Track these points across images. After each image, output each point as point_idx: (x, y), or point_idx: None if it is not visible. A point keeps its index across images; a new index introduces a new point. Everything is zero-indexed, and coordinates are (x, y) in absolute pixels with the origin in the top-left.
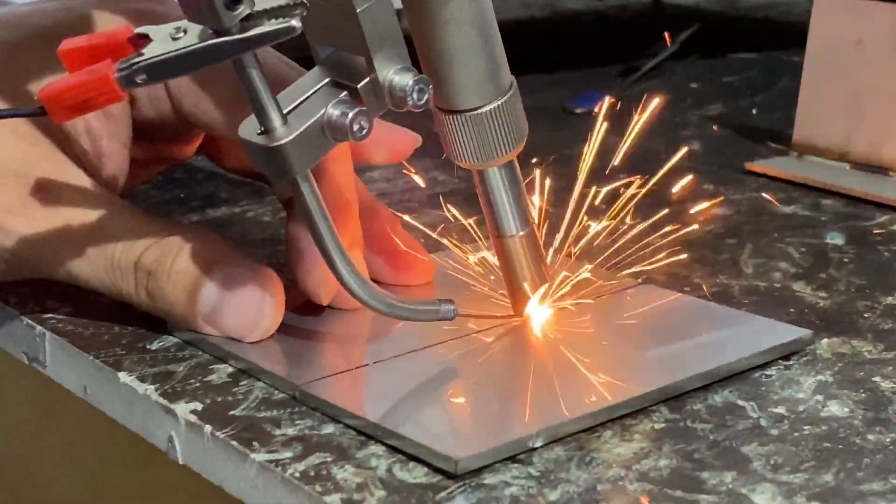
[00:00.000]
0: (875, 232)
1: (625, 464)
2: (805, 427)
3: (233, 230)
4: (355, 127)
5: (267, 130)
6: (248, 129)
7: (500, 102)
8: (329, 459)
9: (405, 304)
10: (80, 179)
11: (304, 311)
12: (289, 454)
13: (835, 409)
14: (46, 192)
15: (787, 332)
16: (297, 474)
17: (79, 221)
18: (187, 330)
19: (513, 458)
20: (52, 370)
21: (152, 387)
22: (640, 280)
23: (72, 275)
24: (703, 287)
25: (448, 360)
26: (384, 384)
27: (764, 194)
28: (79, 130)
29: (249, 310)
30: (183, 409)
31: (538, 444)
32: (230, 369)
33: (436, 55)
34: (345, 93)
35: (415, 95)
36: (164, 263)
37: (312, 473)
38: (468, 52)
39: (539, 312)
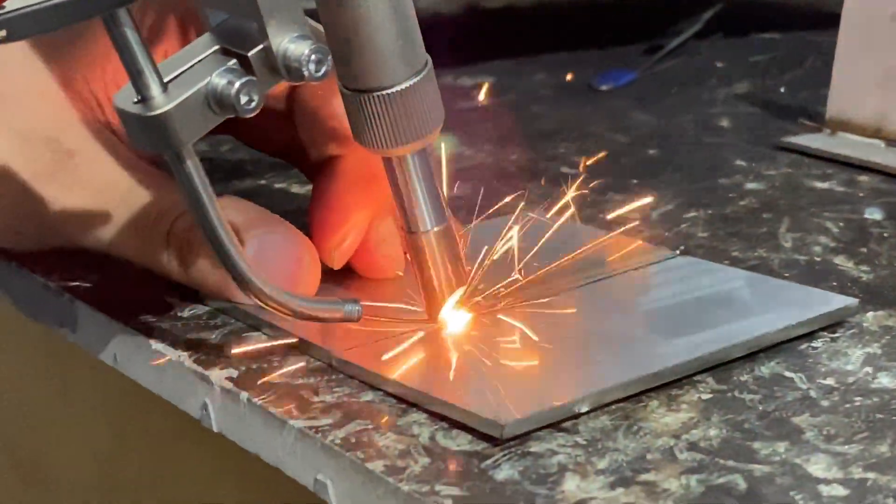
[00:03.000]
0: None
1: (674, 433)
2: (856, 398)
3: (259, 202)
4: (242, 98)
5: (144, 99)
6: (124, 97)
7: (415, 81)
8: (370, 427)
9: (306, 301)
10: (113, 145)
11: (338, 280)
12: (328, 421)
13: (885, 381)
14: (77, 157)
15: (834, 301)
16: (338, 441)
17: (111, 189)
18: (221, 299)
19: (558, 427)
20: (80, 337)
21: (185, 354)
22: (678, 251)
23: (103, 243)
24: (742, 260)
25: (487, 329)
26: (423, 352)
27: (799, 170)
28: (110, 96)
29: (284, 277)
30: (218, 375)
31: (584, 410)
32: (264, 337)
33: (345, 29)
34: (234, 61)
35: (311, 67)
36: (196, 232)
37: (353, 440)
38: (381, 25)
39: (456, 317)
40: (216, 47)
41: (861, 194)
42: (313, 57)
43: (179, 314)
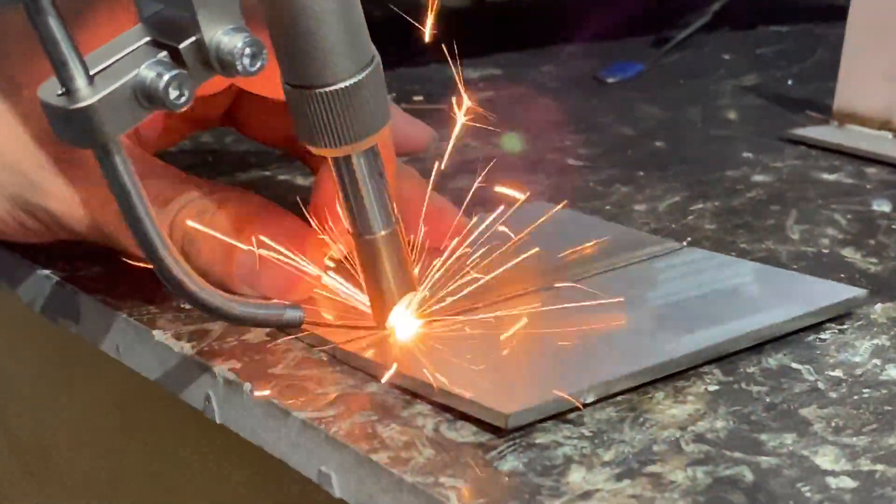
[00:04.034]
0: None
1: (680, 425)
2: (864, 390)
3: (264, 193)
4: (172, 93)
5: (68, 91)
6: (48, 89)
7: (362, 77)
8: (374, 418)
9: (245, 305)
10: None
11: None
12: (332, 412)
13: (894, 373)
14: (81, 150)
15: (842, 291)
16: (342, 433)
17: None
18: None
19: (563, 419)
20: (83, 328)
21: (188, 345)
22: (684, 243)
23: (107, 236)
24: (749, 252)
25: (491, 319)
26: (426, 343)
27: (806, 162)
28: None
29: (288, 270)
30: (221, 367)
31: (589, 400)
32: (267, 328)
33: (286, 22)
34: (164, 53)
35: (245, 61)
36: (200, 223)
37: (357, 432)
38: (325, 18)
39: (406, 324)
40: (147, 39)
41: (869, 186)
42: (247, 50)
43: (182, 305)
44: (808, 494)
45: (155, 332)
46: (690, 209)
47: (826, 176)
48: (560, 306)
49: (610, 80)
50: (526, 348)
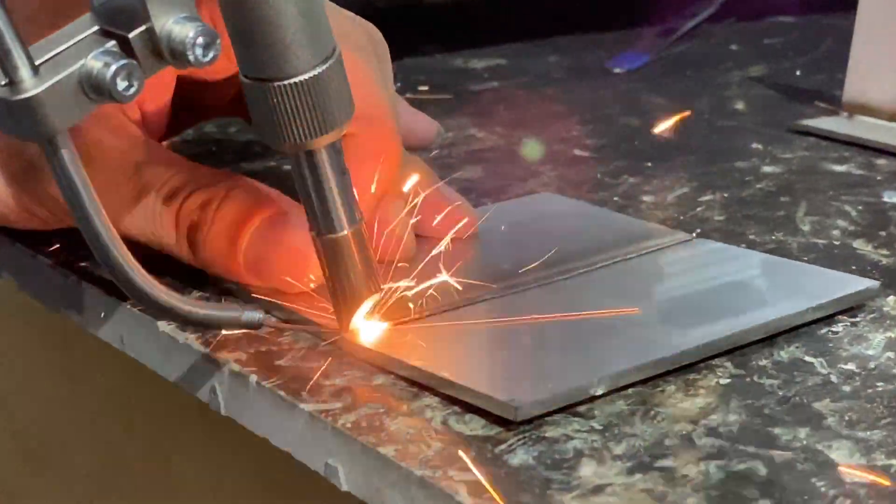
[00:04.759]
0: None
1: (692, 418)
2: (878, 384)
3: (269, 183)
4: (120, 84)
5: (11, 81)
6: None
7: (324, 68)
8: (381, 410)
9: (200, 307)
10: (121, 125)
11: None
12: (339, 405)
13: None
14: (87, 136)
15: (854, 283)
16: (349, 425)
17: (120, 168)
18: (228, 281)
19: (573, 412)
20: (86, 319)
21: (193, 336)
22: (694, 234)
23: (114, 223)
24: (759, 243)
25: (499, 312)
26: (434, 335)
27: (815, 153)
28: None
29: (295, 258)
30: (226, 358)
31: (599, 392)
32: (272, 320)
33: (243, 11)
34: (113, 43)
35: (198, 51)
36: (206, 212)
37: (365, 424)
38: (283, 8)
39: (370, 328)
40: (95, 28)
41: (879, 177)
42: (199, 40)
43: (186, 296)
44: (822, 489)
45: (160, 323)
46: (699, 200)
47: (836, 167)
48: (568, 298)
49: (617, 71)
50: (534, 340)
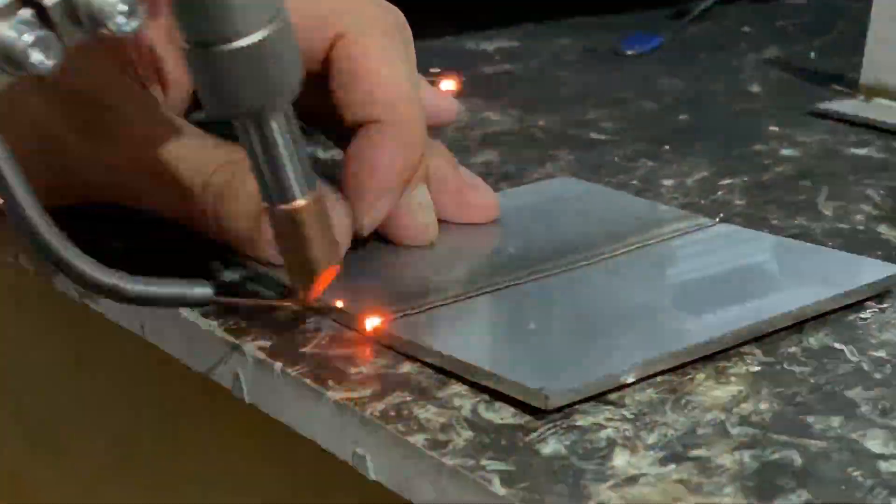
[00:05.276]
0: None
1: (724, 407)
2: None
3: None
4: (34, 56)
5: None
6: None
7: (271, 30)
8: (409, 399)
9: (143, 283)
10: (149, 101)
11: (365, 247)
12: (366, 392)
13: None
14: (114, 113)
15: (883, 269)
16: (377, 413)
17: (149, 143)
18: (252, 256)
19: (604, 400)
20: (105, 306)
21: (215, 322)
22: (717, 219)
23: (139, 198)
24: (782, 228)
25: (523, 300)
26: (461, 321)
27: (834, 136)
28: (143, 53)
29: None
30: (250, 346)
31: (630, 380)
32: (295, 306)
33: None
34: (31, 12)
35: (119, 19)
36: (233, 185)
37: (393, 413)
38: None
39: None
40: None
41: None
42: (121, 7)
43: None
44: (859, 479)
45: (182, 311)
46: (719, 184)
47: (855, 151)
48: (592, 284)
49: (629, 53)
50: (561, 328)
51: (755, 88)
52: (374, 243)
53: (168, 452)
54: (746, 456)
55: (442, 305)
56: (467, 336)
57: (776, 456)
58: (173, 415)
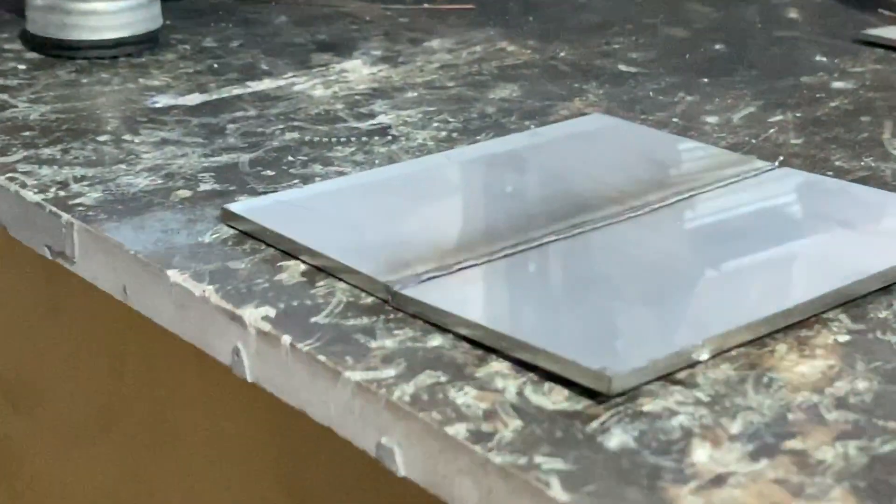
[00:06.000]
0: None
1: (814, 386)
2: None
3: (280, 106)
4: None
5: None
6: None
7: None
8: (443, 379)
9: None
10: None
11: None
12: (392, 372)
13: None
14: None
15: None
16: (407, 398)
17: None
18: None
19: (672, 380)
20: (82, 267)
21: (210, 287)
22: (776, 163)
23: None
24: (848, 171)
25: (574, 258)
26: (501, 285)
27: (889, 66)
28: None
29: None
30: (252, 314)
31: (704, 357)
32: (303, 266)
33: None
34: None
35: None
36: None
37: (426, 397)
38: None
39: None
40: None
41: None
42: None
43: (201, 239)
44: None
45: (170, 272)
46: (769, 121)
47: None
48: (645, 240)
49: None
50: (616, 294)
51: (794, 14)
52: (396, 197)
53: (151, 411)
54: (851, 448)
55: (476, 265)
56: (508, 303)
57: (887, 448)
58: (157, 373)
